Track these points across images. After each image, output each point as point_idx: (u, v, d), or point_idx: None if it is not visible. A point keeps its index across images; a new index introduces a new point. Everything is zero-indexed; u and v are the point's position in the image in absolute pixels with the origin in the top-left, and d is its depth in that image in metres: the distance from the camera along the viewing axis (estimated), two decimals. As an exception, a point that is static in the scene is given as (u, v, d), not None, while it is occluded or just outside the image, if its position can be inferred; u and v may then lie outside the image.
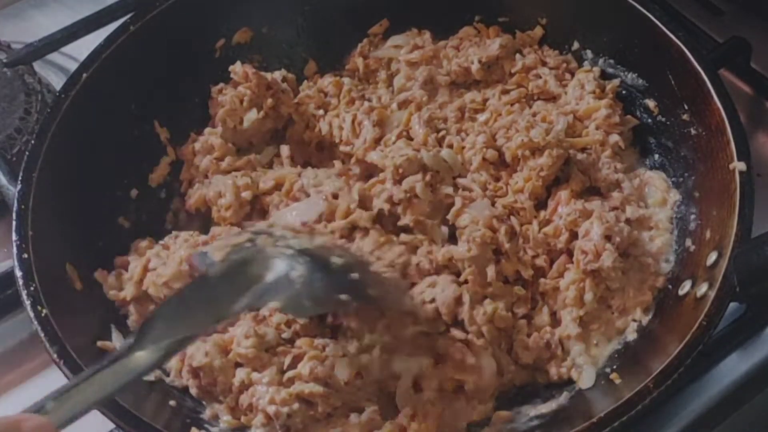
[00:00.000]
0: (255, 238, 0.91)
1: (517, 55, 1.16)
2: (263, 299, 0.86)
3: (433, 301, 0.94)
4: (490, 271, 0.95)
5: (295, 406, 0.88)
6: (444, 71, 1.16)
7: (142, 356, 0.76)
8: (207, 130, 1.13)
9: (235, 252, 0.88)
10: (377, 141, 1.09)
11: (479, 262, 0.95)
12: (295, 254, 0.89)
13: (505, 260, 0.97)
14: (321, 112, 1.15)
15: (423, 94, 1.14)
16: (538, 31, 1.17)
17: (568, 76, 1.14)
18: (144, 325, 0.78)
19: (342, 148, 1.11)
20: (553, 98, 1.13)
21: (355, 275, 0.91)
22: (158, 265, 0.98)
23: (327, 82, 1.18)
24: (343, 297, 0.89)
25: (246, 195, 1.06)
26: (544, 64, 1.15)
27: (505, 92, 1.13)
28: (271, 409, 0.88)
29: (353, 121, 1.11)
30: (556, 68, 1.14)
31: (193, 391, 0.93)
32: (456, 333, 0.94)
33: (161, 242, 1.03)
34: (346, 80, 1.18)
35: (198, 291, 0.86)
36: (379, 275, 0.94)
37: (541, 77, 1.13)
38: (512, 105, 1.11)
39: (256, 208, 1.08)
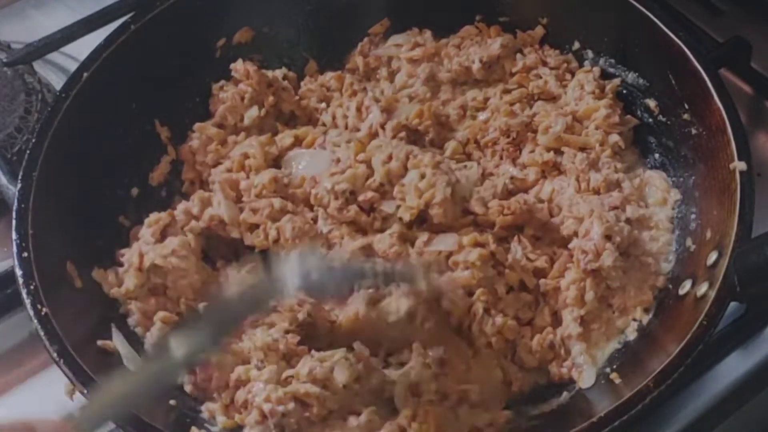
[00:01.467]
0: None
1: (518, 55, 1.16)
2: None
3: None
4: (500, 287, 0.95)
5: (290, 405, 0.87)
6: (445, 69, 1.16)
7: (162, 367, 0.83)
8: (197, 126, 1.13)
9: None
10: (382, 127, 1.08)
11: (487, 282, 0.95)
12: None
13: (508, 271, 0.96)
14: (323, 105, 1.16)
15: (426, 90, 1.14)
16: (539, 31, 1.17)
17: (568, 76, 1.14)
18: (160, 340, 0.88)
19: None
20: (553, 98, 1.13)
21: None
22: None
23: (329, 77, 1.18)
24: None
25: (272, 150, 1.08)
26: (544, 64, 1.15)
27: (507, 92, 1.13)
28: (266, 407, 0.87)
29: (358, 108, 1.11)
30: (557, 68, 1.14)
31: (188, 387, 0.93)
32: (461, 344, 0.94)
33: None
34: (348, 75, 1.18)
35: (211, 311, 0.94)
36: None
37: (541, 77, 1.13)
38: (513, 105, 1.11)
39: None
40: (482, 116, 1.11)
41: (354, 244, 0.99)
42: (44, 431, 0.70)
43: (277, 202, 1.01)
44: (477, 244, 0.97)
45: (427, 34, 1.19)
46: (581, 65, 1.15)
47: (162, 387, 0.86)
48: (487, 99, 1.13)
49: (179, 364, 0.83)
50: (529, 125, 1.08)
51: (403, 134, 1.06)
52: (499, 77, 1.15)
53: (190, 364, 0.87)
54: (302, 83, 1.19)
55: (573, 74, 1.14)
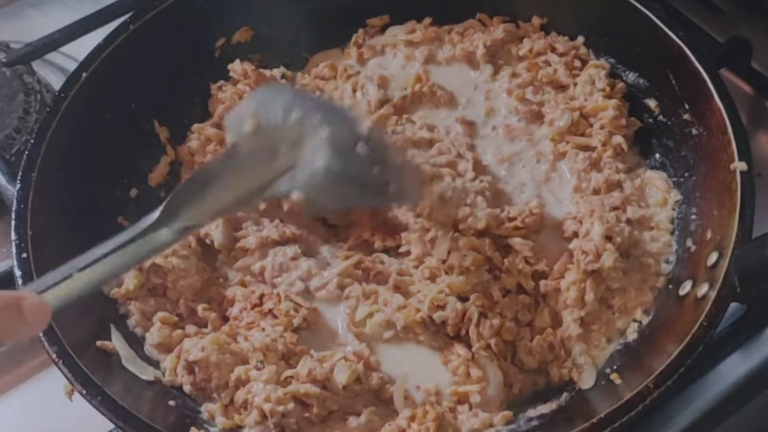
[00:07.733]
0: (289, 112, 0.88)
1: (525, 39, 1.15)
2: (288, 188, 0.86)
3: (444, 307, 0.93)
4: (495, 291, 0.95)
5: (290, 405, 0.87)
6: (446, 52, 1.16)
7: (159, 235, 0.79)
8: (195, 126, 1.13)
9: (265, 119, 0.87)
10: (382, 104, 1.09)
11: (481, 286, 0.95)
12: (324, 139, 0.86)
13: (505, 275, 0.96)
14: (319, 94, 1.16)
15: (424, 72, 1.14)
16: (538, 21, 1.17)
17: (578, 63, 1.12)
18: (167, 205, 0.80)
19: None
20: (562, 87, 1.12)
21: (377, 168, 0.90)
22: None
23: (321, 66, 1.18)
24: (363, 193, 0.90)
25: None
26: (553, 50, 1.13)
27: (516, 75, 1.12)
28: (266, 407, 0.87)
29: (353, 89, 1.11)
30: (566, 54, 1.12)
31: (187, 388, 0.93)
32: (459, 349, 0.93)
33: None
34: (341, 62, 1.19)
35: (225, 168, 0.85)
36: (404, 167, 0.95)
37: (550, 65, 1.12)
38: (523, 88, 1.10)
39: None
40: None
41: (347, 261, 0.99)
42: (29, 307, 0.69)
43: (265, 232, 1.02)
44: (473, 249, 0.96)
45: (427, 21, 1.19)
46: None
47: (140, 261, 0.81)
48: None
49: (166, 241, 0.79)
50: (538, 113, 1.08)
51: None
52: (505, 63, 1.15)
53: (186, 233, 0.82)
54: (296, 78, 1.19)
55: (582, 61, 1.12)
